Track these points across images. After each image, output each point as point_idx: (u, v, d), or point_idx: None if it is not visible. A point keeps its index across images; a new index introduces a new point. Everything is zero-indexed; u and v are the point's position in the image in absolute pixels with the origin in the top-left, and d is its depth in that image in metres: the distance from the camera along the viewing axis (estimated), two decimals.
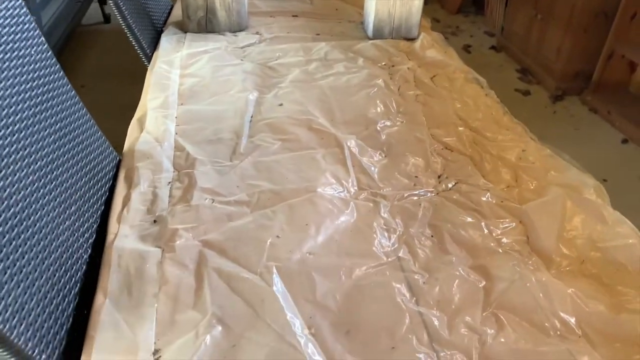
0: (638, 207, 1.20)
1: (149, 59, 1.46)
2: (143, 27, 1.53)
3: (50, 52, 0.94)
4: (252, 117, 1.13)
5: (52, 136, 0.86)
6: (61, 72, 0.96)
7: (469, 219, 0.87)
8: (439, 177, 0.98)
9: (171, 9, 1.82)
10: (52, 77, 0.92)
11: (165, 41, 1.49)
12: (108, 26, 3.59)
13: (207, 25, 1.57)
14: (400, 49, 1.51)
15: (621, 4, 2.54)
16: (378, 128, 1.10)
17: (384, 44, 1.53)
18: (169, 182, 0.93)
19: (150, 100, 1.19)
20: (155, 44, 1.55)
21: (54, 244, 0.73)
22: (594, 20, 2.68)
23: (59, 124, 0.89)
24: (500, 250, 0.81)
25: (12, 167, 0.71)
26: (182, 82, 1.27)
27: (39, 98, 0.85)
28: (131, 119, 1.14)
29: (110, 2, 1.42)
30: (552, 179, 0.98)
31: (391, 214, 0.86)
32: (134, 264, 0.74)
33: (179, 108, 1.17)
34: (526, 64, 3.10)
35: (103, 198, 0.93)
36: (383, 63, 1.40)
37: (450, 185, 0.96)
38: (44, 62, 0.91)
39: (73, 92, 0.98)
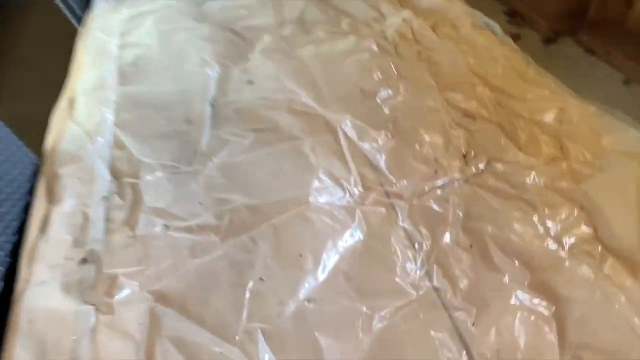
0: None
1: (80, 20, 1.17)
2: None
3: None
4: (214, 100, 0.87)
5: None
6: None
7: (516, 214, 0.65)
8: (464, 156, 0.76)
9: None
10: None
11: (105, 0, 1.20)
12: None
13: None
14: None
15: None
16: (378, 101, 0.85)
17: None
18: (105, 197, 0.69)
19: (82, 79, 0.92)
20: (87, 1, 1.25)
21: None
22: None
23: None
24: (564, 255, 0.60)
25: None
26: (122, 55, 0.99)
27: None
28: (55, 102, 0.88)
29: None
30: (609, 146, 0.76)
31: (412, 220, 0.63)
32: (53, 334, 0.50)
33: (118, 90, 0.90)
34: (514, 6, 2.83)
35: (14, 223, 0.67)
36: (372, 18, 1.13)
37: (481, 167, 0.73)
38: None
39: None
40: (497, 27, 1.12)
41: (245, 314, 0.52)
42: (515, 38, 2.62)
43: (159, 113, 0.85)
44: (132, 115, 0.85)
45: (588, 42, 2.57)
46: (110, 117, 0.84)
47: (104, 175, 0.73)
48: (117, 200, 0.68)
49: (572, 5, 2.58)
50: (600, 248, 0.60)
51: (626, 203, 0.63)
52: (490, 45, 1.05)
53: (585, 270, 0.57)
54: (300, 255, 0.58)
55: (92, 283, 0.56)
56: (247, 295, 0.54)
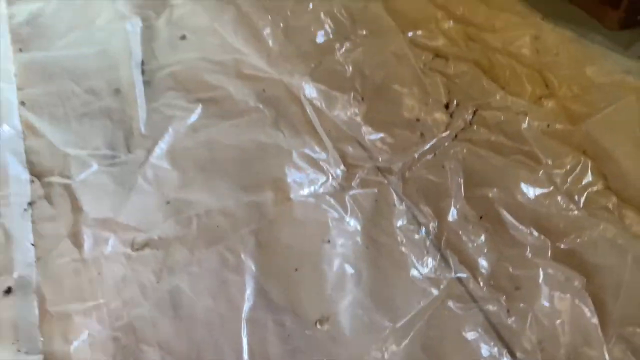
0: None
1: None
2: None
3: None
4: (143, 64, 0.71)
5: None
6: None
7: (520, 171, 0.59)
8: (446, 106, 0.68)
9: None
10: None
11: None
12: None
13: None
14: None
15: None
16: (338, 57, 0.73)
17: None
18: (28, 205, 0.55)
19: None
20: None
21: None
22: None
23: None
24: (580, 214, 0.55)
25: None
26: (13, 13, 0.79)
27: None
28: None
29: None
30: (594, 76, 0.71)
31: (409, 197, 0.55)
32: None
33: (17, 58, 0.73)
34: None
35: None
36: None
37: (468, 118, 0.66)
38: None
39: None
40: None
41: (245, 353, 0.43)
42: None
43: (76, 84, 0.69)
44: (41, 89, 0.68)
45: None
46: (12, 96, 0.67)
47: (20, 174, 0.58)
48: (45, 208, 0.55)
49: None
50: (615, 200, 0.55)
51: (635, 143, 0.58)
52: None
53: (609, 230, 0.52)
54: (296, 270, 0.49)
55: (32, 324, 0.45)
56: (244, 325, 0.44)
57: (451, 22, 0.82)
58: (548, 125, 0.64)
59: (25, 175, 0.58)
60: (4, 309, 0.46)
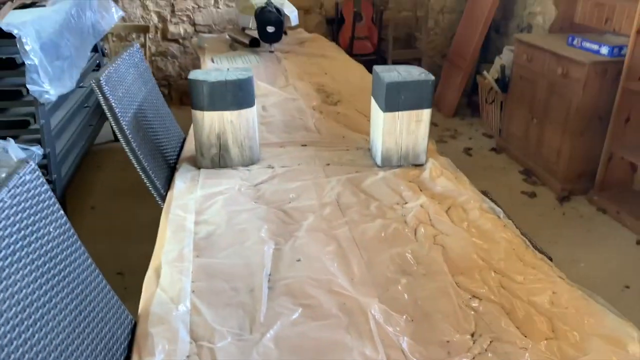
0: None
1: (163, 199, 1.46)
2: (157, 166, 1.55)
3: (68, 225, 0.93)
4: (270, 275, 1.09)
5: (69, 306, 0.83)
6: (78, 243, 0.95)
7: None
8: (472, 335, 0.93)
9: (184, 141, 1.87)
10: (70, 249, 0.90)
11: (180, 181, 1.51)
12: (118, 144, 3.72)
13: (220, 161, 1.60)
14: (410, 180, 1.52)
15: (614, 108, 2.63)
16: (399, 287, 1.06)
17: (393, 176, 1.54)
18: (186, 358, 0.88)
19: (166, 252, 1.17)
20: (169, 180, 1.56)
21: None
22: (589, 124, 2.77)
23: (76, 293, 0.87)
24: None
25: (29, 342, 0.69)
26: (197, 231, 1.26)
27: (58, 270, 0.84)
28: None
29: (126, 148, 1.45)
30: (591, 329, 0.93)
31: None
32: None
33: (194, 261, 1.14)
34: (528, 165, 3.15)
35: None
36: (395, 202, 1.39)
37: (485, 346, 0.90)
38: (62, 236, 0.90)
39: (89, 260, 0.97)
40: (500, 212, 1.35)
41: None
42: (531, 195, 2.90)
43: (226, 283, 1.08)
44: (206, 284, 1.07)
45: (598, 202, 2.81)
46: (188, 285, 1.06)
47: (185, 337, 0.93)
48: None
49: (582, 168, 2.88)
50: None
51: None
52: (494, 229, 1.27)
53: None
54: None
55: None
56: None
57: (492, 272, 1.12)
58: None
59: (187, 338, 0.93)
60: None
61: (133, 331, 0.97)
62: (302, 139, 1.84)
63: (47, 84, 2.15)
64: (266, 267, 1.12)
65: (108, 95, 1.36)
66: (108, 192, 3.04)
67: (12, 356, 0.65)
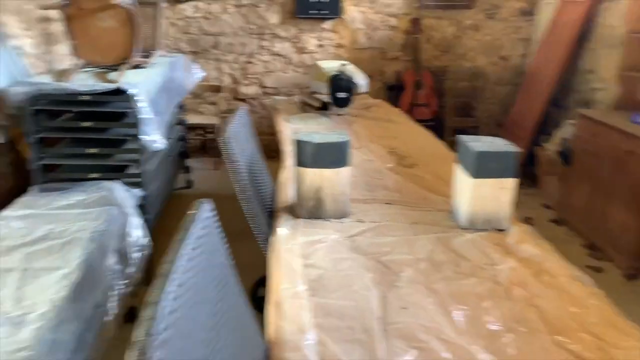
0: None
1: (266, 242, 1.62)
2: (261, 213, 1.72)
3: (227, 253, 1.09)
4: (380, 318, 1.20)
5: (231, 323, 0.97)
6: (232, 270, 1.10)
7: None
8: None
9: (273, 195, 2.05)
10: (229, 273, 1.06)
11: (283, 227, 1.66)
12: (190, 190, 4.00)
13: (315, 212, 1.75)
14: (496, 243, 1.62)
15: None
16: (504, 340, 1.15)
17: (480, 238, 1.64)
18: None
19: (283, 289, 1.30)
20: (269, 226, 1.73)
21: None
22: None
23: (233, 314, 1.01)
24: None
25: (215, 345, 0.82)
26: (307, 273, 1.39)
27: (225, 291, 0.99)
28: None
29: (241, 197, 1.63)
30: None
31: None
32: None
33: (311, 300, 1.27)
34: (592, 239, 3.15)
35: None
36: (484, 263, 1.49)
37: None
38: (225, 262, 1.06)
39: (239, 287, 1.11)
40: (587, 279, 1.43)
41: None
42: (597, 270, 2.90)
43: (341, 321, 1.19)
44: (324, 321, 1.19)
45: None
46: (310, 320, 1.19)
47: None
48: None
49: None
50: None
51: None
52: (584, 296, 1.34)
53: None
54: None
55: None
56: None
57: (587, 335, 1.19)
58: None
59: None
60: None
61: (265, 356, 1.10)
62: (385, 198, 1.99)
63: (156, 135, 2.41)
64: (376, 310, 1.23)
65: (232, 149, 1.56)
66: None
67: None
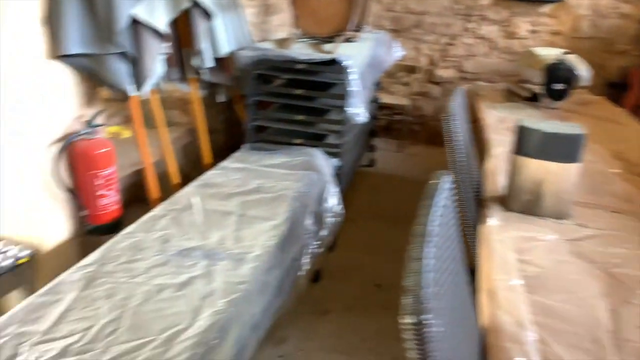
0: None
1: (473, 229, 1.54)
2: (470, 199, 1.65)
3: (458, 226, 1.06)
4: (612, 332, 1.06)
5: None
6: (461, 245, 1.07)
7: None
8: None
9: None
10: (459, 253, 1.03)
11: (494, 218, 1.56)
12: (372, 169, 4.07)
13: (530, 207, 1.61)
14: None
15: None
16: None
17: None
18: None
19: (497, 279, 1.22)
20: (477, 213, 1.65)
21: None
22: None
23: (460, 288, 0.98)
24: None
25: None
26: (523, 268, 1.29)
27: (456, 265, 0.96)
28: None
29: (454, 178, 1.57)
30: None
31: None
32: None
33: (528, 296, 1.17)
34: None
35: None
36: None
37: None
38: (458, 241, 1.04)
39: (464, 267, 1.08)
40: None
41: None
42: None
43: (567, 326, 1.07)
44: (547, 321, 1.09)
45: None
46: (529, 317, 1.09)
47: None
48: None
49: None
50: None
51: None
52: None
53: None
54: None
55: None
56: None
57: None
58: None
59: None
60: None
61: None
62: (612, 205, 1.74)
63: (361, 108, 2.48)
64: (606, 323, 1.08)
65: (455, 126, 1.51)
66: (363, 209, 3.33)
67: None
